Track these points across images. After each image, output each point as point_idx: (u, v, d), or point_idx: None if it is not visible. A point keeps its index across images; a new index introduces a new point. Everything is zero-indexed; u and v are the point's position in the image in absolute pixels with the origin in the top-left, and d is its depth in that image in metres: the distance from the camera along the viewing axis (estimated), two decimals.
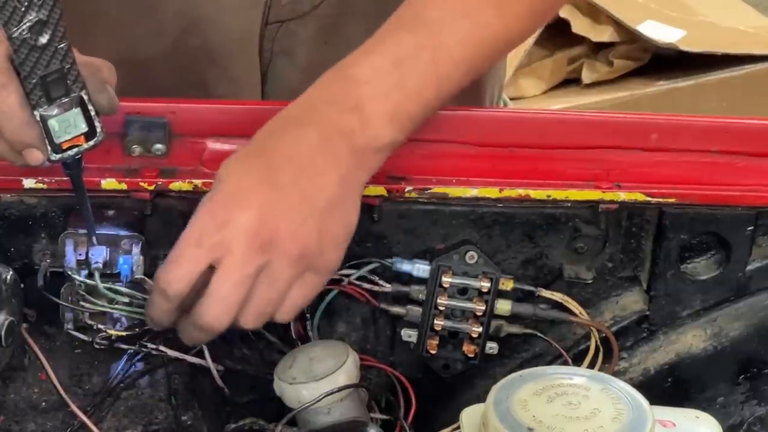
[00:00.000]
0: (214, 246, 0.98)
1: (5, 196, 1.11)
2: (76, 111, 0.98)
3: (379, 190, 1.12)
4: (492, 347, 1.15)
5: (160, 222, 1.13)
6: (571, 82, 2.75)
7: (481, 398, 0.96)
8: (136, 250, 1.10)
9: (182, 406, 1.08)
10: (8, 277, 1.04)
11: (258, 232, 0.98)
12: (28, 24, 0.93)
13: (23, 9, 0.92)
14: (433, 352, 1.16)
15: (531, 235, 1.17)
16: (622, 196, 1.13)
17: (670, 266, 1.17)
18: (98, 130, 1.00)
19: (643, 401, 0.93)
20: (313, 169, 1.00)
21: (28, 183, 1.09)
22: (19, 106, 0.97)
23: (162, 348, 1.10)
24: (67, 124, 0.98)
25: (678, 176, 1.15)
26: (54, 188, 1.09)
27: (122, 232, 1.10)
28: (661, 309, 1.19)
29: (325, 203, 1.00)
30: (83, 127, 0.99)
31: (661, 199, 1.14)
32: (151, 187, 1.10)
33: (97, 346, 1.10)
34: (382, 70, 1.02)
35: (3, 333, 1.02)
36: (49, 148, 0.99)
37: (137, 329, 1.10)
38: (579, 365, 1.15)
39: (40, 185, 1.09)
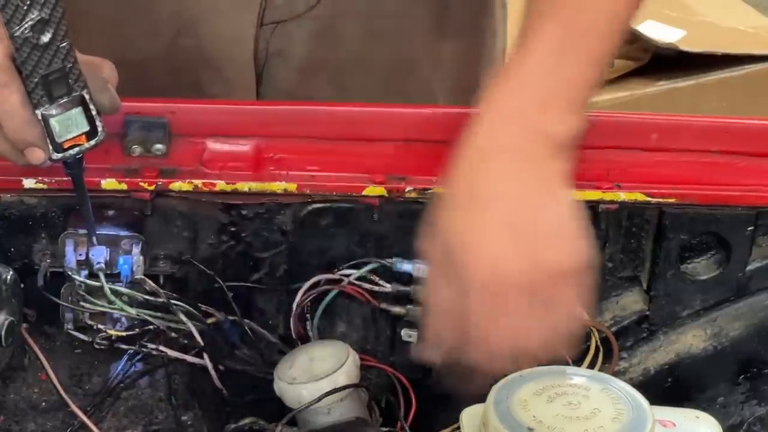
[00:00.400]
0: (458, 313, 0.95)
1: (5, 196, 1.11)
2: (78, 110, 0.98)
3: (379, 190, 1.12)
4: None
5: (160, 222, 1.13)
6: None
7: (481, 398, 0.96)
8: (136, 250, 1.10)
9: (182, 406, 1.08)
10: (8, 277, 1.04)
11: (497, 280, 0.94)
12: (30, 23, 0.93)
13: (25, 7, 0.92)
14: None
15: None
16: (622, 196, 1.13)
17: (670, 266, 1.17)
18: (99, 129, 1.00)
19: (643, 401, 0.93)
20: (530, 202, 0.97)
21: (28, 183, 1.09)
22: (21, 105, 0.97)
23: (162, 348, 1.10)
24: (69, 124, 0.98)
25: (678, 176, 1.15)
26: (54, 188, 1.09)
27: (122, 232, 1.10)
28: (661, 309, 1.19)
29: (552, 230, 0.96)
30: (84, 127, 0.99)
31: (661, 199, 1.14)
32: (151, 187, 1.10)
33: (97, 346, 1.10)
34: (545, 69, 1.00)
35: (3, 333, 1.02)
36: (50, 147, 0.99)
37: (137, 329, 1.10)
38: (579, 365, 1.15)
39: (40, 185, 1.09)
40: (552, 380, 0.95)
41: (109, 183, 1.10)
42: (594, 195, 1.13)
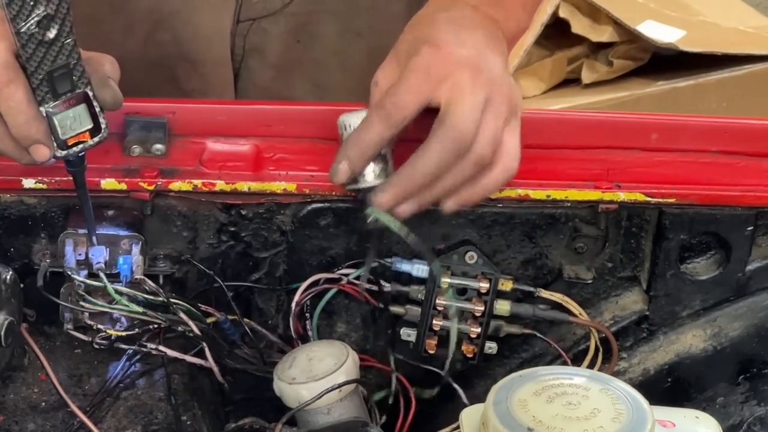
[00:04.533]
0: (442, 78, 1.00)
1: (5, 196, 1.11)
2: (82, 107, 0.98)
3: None
4: (491, 347, 1.15)
5: (160, 222, 1.13)
6: (571, 82, 2.74)
7: (481, 398, 0.96)
8: (135, 250, 1.10)
9: (182, 406, 1.08)
10: (8, 277, 1.04)
11: (480, 68, 1.01)
12: (36, 18, 0.93)
13: (32, 3, 0.92)
14: (432, 351, 1.16)
15: (531, 235, 1.17)
16: (622, 196, 1.13)
17: (670, 266, 1.17)
18: (103, 126, 1.00)
19: (643, 401, 0.93)
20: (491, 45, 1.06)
21: (28, 183, 1.09)
22: (26, 101, 0.96)
23: (161, 348, 1.09)
24: (73, 121, 0.98)
25: (678, 176, 1.15)
26: (54, 188, 1.09)
27: (122, 232, 1.10)
28: (661, 309, 1.19)
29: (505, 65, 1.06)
30: (88, 124, 0.99)
31: (661, 199, 1.14)
32: (151, 187, 1.10)
33: (96, 346, 1.10)
34: None
35: (3, 333, 1.02)
36: (54, 144, 0.99)
37: (137, 329, 1.10)
38: (579, 365, 1.15)
39: (40, 185, 1.09)
40: (552, 380, 0.95)
41: (108, 183, 1.10)
42: (594, 195, 1.13)
